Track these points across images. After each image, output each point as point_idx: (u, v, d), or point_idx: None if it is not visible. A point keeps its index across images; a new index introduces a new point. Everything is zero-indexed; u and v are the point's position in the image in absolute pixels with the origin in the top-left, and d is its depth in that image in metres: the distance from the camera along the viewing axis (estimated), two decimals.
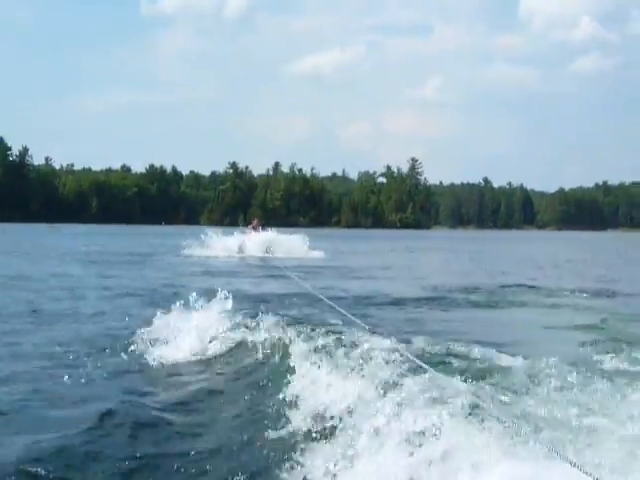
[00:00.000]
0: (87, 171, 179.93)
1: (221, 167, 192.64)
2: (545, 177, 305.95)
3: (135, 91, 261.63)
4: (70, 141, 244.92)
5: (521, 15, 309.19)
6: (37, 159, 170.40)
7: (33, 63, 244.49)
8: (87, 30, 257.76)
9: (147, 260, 29.29)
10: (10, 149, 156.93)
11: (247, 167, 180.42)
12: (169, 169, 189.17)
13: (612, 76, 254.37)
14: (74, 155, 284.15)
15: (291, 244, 32.61)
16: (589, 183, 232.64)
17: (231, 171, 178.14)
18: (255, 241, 32.43)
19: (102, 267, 24.21)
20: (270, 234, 33.32)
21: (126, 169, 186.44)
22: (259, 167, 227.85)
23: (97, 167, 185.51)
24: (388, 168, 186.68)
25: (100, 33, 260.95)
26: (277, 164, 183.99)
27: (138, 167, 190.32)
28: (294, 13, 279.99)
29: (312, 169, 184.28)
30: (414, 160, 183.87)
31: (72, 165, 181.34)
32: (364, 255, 37.96)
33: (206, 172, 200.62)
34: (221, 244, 32.75)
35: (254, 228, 34.42)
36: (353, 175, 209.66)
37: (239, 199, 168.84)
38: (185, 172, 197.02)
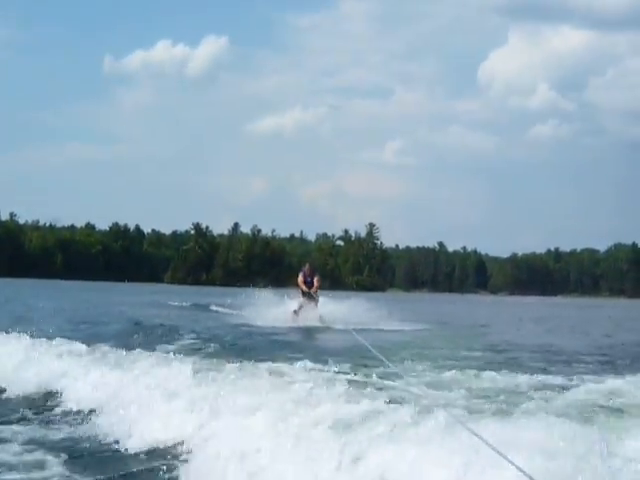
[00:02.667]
0: (52, 228, 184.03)
1: (182, 225, 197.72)
2: (499, 242, 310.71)
3: (97, 147, 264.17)
4: (33, 197, 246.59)
5: (480, 81, 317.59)
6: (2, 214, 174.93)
7: None
8: (49, 85, 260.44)
9: None
10: None
11: (207, 227, 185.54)
12: (132, 227, 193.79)
13: (568, 143, 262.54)
14: (38, 211, 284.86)
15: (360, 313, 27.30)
16: (542, 249, 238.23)
17: (193, 231, 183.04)
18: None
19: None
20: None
21: (90, 226, 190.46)
22: (218, 226, 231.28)
23: (61, 223, 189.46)
24: (346, 232, 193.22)
25: (62, 89, 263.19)
26: (237, 224, 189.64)
27: (102, 224, 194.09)
28: (256, 73, 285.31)
29: (273, 231, 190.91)
30: (372, 225, 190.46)
31: (37, 221, 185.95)
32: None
33: (167, 230, 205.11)
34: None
35: (305, 281, 27.79)
36: (311, 236, 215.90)
37: (202, 258, 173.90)
38: (147, 230, 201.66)
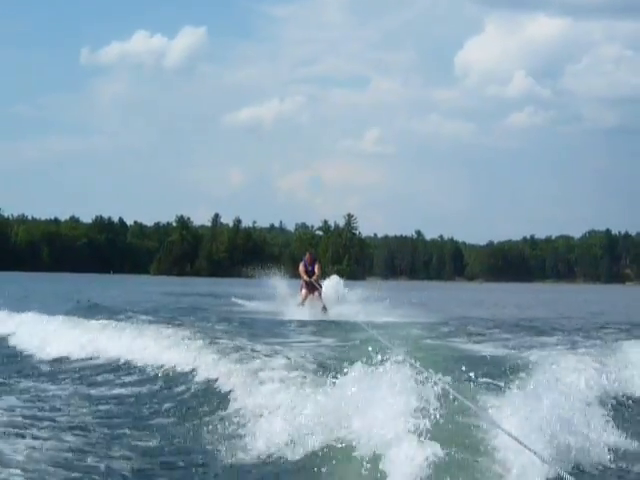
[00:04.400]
0: (37, 221, 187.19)
1: (163, 217, 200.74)
2: (476, 230, 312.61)
3: (76, 139, 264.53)
4: (16, 190, 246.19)
5: (457, 69, 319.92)
6: None
7: None
8: (27, 79, 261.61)
9: None
10: None
11: (189, 218, 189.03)
12: (116, 219, 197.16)
13: (544, 131, 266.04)
14: (22, 204, 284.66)
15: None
16: (518, 236, 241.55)
17: (175, 223, 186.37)
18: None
19: None
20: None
21: (75, 219, 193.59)
22: (198, 217, 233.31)
23: (44, 216, 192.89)
24: (325, 222, 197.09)
25: (40, 82, 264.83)
26: (217, 215, 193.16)
27: (85, 217, 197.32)
28: (234, 63, 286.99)
29: (254, 222, 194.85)
30: (350, 215, 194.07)
31: (23, 215, 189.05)
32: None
33: (149, 222, 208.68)
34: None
35: (306, 270, 28.06)
36: (290, 226, 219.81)
37: (186, 250, 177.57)
38: (130, 222, 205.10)
